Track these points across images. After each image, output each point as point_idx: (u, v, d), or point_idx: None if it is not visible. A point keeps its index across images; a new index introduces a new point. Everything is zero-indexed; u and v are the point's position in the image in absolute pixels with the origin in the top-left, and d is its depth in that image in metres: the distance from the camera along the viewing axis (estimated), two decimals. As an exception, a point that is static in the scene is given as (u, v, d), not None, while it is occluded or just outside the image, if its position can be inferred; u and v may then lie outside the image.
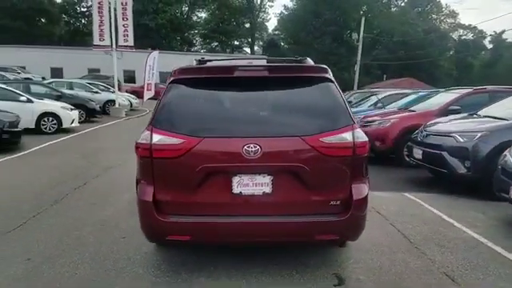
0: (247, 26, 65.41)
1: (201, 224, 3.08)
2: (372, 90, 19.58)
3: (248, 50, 66.94)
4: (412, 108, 9.62)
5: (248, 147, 2.97)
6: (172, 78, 3.30)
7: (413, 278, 3.37)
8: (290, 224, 3.09)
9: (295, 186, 3.08)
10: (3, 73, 20.93)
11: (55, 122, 11.87)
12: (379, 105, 12.51)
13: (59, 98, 13.99)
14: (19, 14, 42.35)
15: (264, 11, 68.45)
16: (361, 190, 3.18)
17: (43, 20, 48.26)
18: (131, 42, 17.73)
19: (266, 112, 3.22)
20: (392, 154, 8.67)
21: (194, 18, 63.42)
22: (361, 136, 3.15)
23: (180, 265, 3.54)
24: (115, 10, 17.15)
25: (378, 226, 4.62)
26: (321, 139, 3.04)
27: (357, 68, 37.86)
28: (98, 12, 16.93)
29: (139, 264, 3.57)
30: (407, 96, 12.33)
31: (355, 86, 36.07)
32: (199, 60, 3.87)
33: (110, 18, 17.18)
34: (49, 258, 3.66)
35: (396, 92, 14.43)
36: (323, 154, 3.04)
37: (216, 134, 3.07)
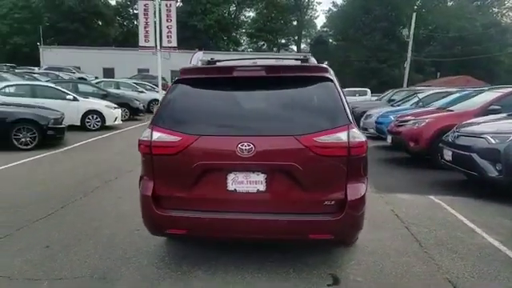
0: (294, 23, 65.18)
1: (197, 219, 3.19)
2: (417, 88, 18.83)
3: (294, 47, 66.78)
4: (451, 108, 9.19)
5: (242, 146, 3.03)
6: (175, 79, 3.44)
7: (412, 281, 3.28)
8: (284, 222, 3.12)
9: (289, 184, 3.10)
10: (57, 72, 22.35)
11: (99, 119, 12.57)
12: (420, 104, 12.05)
13: (105, 96, 14.76)
14: (76, 17, 44.91)
15: (312, 8, 67.99)
16: (356, 190, 3.14)
17: (99, 22, 50.83)
18: (174, 43, 18.33)
19: (262, 111, 3.26)
20: (428, 155, 8.35)
21: (242, 18, 64.18)
22: (357, 136, 3.11)
23: (182, 258, 3.68)
24: (160, 11, 17.78)
25: (391, 229, 4.52)
26: (315, 139, 3.04)
27: (406, 65, 36.49)
28: (144, 14, 17.66)
29: (145, 255, 3.75)
30: (450, 95, 11.77)
31: (405, 84, 34.83)
32: (208, 60, 3.97)
33: (155, 20, 17.84)
34: (66, 246, 3.93)
35: (439, 91, 13.81)
36: (317, 154, 3.04)
37: (212, 133, 3.16)
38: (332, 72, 3.42)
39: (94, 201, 5.54)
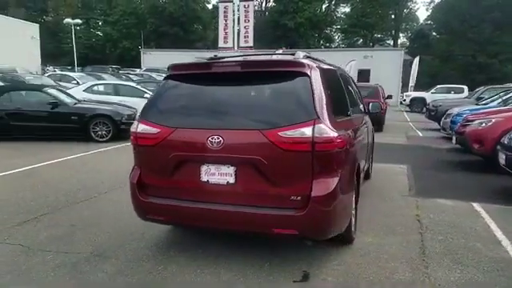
0: (392, 17, 62.05)
1: (173, 207, 3.41)
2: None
3: (391, 42, 63.54)
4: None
5: (212, 138, 3.16)
6: (164, 75, 3.69)
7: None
8: (249, 215, 3.18)
9: (256, 178, 3.15)
10: (152, 73, 24.37)
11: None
12: (502, 103, 10.79)
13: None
14: (175, 22, 48.45)
15: (412, 1, 63.97)
16: (323, 186, 3.08)
17: (196, 26, 54.11)
18: (251, 43, 18.83)
19: (234, 105, 3.35)
20: (492, 158, 7.48)
21: (336, 14, 63.02)
22: (324, 132, 3.04)
23: (173, 244, 3.94)
24: (238, 12, 18.42)
25: (402, 234, 4.25)
26: (279, 133, 3.05)
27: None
28: (224, 16, 18.47)
29: (146, 240, 4.05)
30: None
31: (517, 81, 31.01)
32: (211, 57, 4.15)
33: (234, 21, 18.54)
34: (86, 226, 4.43)
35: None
36: (281, 148, 3.05)
37: (186, 125, 3.34)
38: (314, 66, 3.34)
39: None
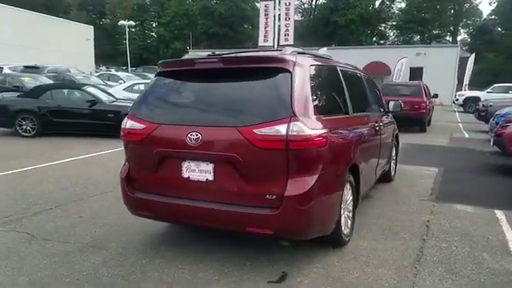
0: (451, 12, 58.87)
1: (156, 203, 3.47)
2: None
3: (450, 38, 60.31)
4: None
5: (191, 135, 3.18)
6: (156, 71, 3.76)
7: (361, 294, 2.95)
8: (225, 212, 3.16)
9: (234, 176, 3.13)
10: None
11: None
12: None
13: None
14: (225, 22, 49.22)
15: (473, -6, 60.24)
16: (298, 185, 2.99)
17: (246, 26, 54.58)
18: (291, 41, 18.65)
19: (214, 102, 3.34)
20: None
21: (391, 10, 60.89)
22: (300, 130, 2.95)
23: (168, 239, 4.02)
24: (279, 10, 18.32)
25: (403, 239, 4.04)
26: (255, 131, 3.00)
27: None
28: (265, 15, 18.46)
29: (143, 234, 4.14)
30: None
31: None
32: (209, 54, 4.17)
33: (274, 19, 18.47)
34: (92, 218, 4.62)
35: None
36: (256, 146, 3.00)
37: (168, 122, 3.38)
38: (299, 62, 3.24)
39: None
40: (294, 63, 3.21)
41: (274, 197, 3.02)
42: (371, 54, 31.78)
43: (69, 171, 7.00)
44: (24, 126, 10.31)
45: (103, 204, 5.17)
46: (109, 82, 17.69)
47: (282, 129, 2.94)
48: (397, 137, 6.68)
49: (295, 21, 19.49)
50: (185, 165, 3.29)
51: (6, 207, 4.95)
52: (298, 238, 3.31)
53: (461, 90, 27.98)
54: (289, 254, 3.56)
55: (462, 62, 30.91)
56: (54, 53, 25.44)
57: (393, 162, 6.53)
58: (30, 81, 14.05)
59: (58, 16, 33.41)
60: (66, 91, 11.08)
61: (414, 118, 13.33)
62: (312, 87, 3.28)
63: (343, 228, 3.68)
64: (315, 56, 3.92)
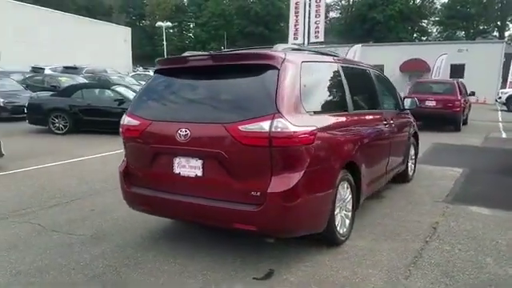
0: (499, 6, 56.03)
1: (152, 198, 3.55)
2: None
3: (496, 34, 57.38)
4: None
5: (180, 131, 3.24)
6: (155, 69, 3.86)
7: (345, 294, 2.90)
8: (212, 208, 3.20)
9: (221, 172, 3.16)
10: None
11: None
12: None
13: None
14: (261, 21, 49.34)
15: (523, -15, 56.98)
16: (282, 182, 2.98)
17: (282, 24, 54.42)
18: (321, 38, 18.43)
19: (203, 99, 3.39)
20: None
21: (433, 5, 58.84)
22: (283, 126, 2.94)
23: (169, 234, 4.12)
24: (309, 7, 18.14)
25: (404, 240, 3.93)
26: (239, 127, 3.03)
27: None
28: (295, 12, 18.34)
29: (145, 228, 4.25)
30: None
31: None
32: (210, 52, 4.22)
33: (304, 17, 18.31)
34: (102, 212, 4.79)
35: None
36: (241, 143, 3.02)
37: (160, 118, 3.46)
38: (289, 59, 3.23)
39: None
40: (283, 60, 3.19)
41: (259, 193, 3.02)
42: (409, 50, 30.74)
43: (93, 167, 7.30)
44: (57, 124, 10.84)
45: (116, 199, 5.29)
46: (142, 82, 18.19)
47: (265, 125, 2.94)
48: (415, 135, 6.46)
49: (332, 18, 19.26)
50: (176, 161, 3.36)
51: (26, 200, 5.24)
52: (285, 236, 3.30)
53: (505, 88, 26.57)
54: (278, 252, 3.55)
55: (508, 59, 29.34)
56: (93, 54, 26.53)
57: (411, 162, 6.32)
58: (66, 81, 14.73)
59: (99, 18, 34.83)
60: (96, 90, 11.55)
61: (448, 117, 12.85)
62: (304, 84, 3.25)
63: (338, 227, 3.62)
64: (314, 53, 3.87)
